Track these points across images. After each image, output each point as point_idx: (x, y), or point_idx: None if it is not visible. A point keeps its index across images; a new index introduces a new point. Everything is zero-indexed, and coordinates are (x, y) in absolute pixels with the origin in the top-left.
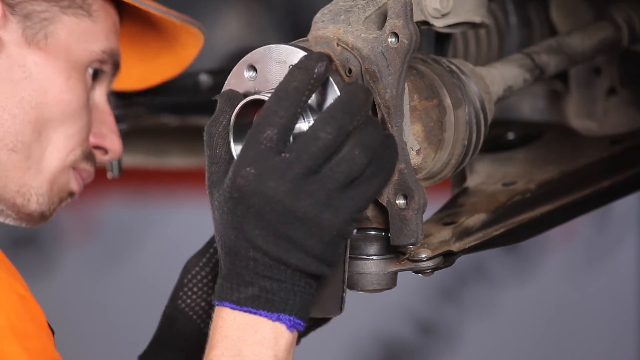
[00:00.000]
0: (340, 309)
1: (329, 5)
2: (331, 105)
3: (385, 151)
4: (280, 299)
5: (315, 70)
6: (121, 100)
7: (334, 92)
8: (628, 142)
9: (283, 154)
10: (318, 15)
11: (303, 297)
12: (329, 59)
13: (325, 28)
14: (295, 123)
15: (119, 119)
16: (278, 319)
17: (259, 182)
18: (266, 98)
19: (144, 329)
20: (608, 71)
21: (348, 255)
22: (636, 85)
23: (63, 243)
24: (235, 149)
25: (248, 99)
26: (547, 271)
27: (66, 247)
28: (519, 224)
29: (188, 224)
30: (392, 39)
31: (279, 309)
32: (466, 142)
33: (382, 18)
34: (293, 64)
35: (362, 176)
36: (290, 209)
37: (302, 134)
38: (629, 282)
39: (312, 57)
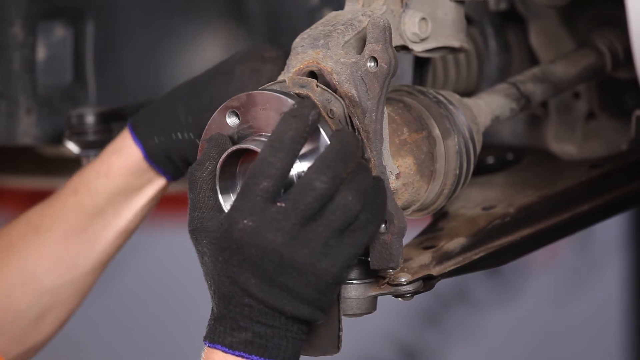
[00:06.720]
0: (338, 348)
1: (308, 30)
2: (324, 153)
3: (377, 195)
4: (274, 345)
5: (310, 118)
6: (101, 126)
7: (322, 139)
8: (607, 166)
9: (278, 204)
10: (297, 40)
11: (295, 342)
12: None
13: (305, 53)
14: (290, 172)
15: (99, 145)
16: None
17: (257, 235)
18: (254, 148)
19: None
20: (587, 96)
21: (342, 296)
22: (615, 110)
23: None
24: (222, 197)
25: (236, 147)
26: (530, 295)
27: None
28: (498, 247)
29: (168, 250)
30: (371, 64)
31: (272, 355)
32: (457, 172)
33: (361, 43)
34: (282, 111)
35: (356, 221)
36: (288, 260)
37: (297, 183)
38: (612, 305)
39: (305, 105)
